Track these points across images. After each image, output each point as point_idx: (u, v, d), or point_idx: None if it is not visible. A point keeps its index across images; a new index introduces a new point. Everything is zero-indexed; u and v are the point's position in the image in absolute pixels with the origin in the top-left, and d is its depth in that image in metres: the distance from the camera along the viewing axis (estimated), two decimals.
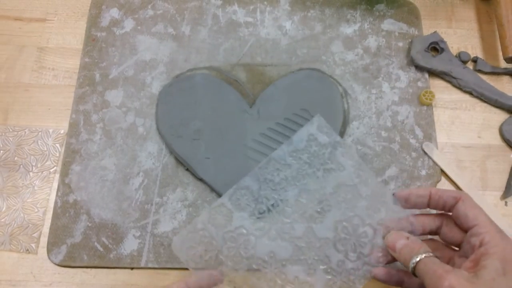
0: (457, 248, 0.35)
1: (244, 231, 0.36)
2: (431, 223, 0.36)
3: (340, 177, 0.37)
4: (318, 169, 0.38)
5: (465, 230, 0.33)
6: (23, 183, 0.46)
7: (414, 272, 0.32)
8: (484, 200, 0.47)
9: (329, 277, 0.35)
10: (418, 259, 0.31)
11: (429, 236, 0.37)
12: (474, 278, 0.29)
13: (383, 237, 0.35)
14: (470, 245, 0.32)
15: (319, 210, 0.37)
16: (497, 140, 0.50)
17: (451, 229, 0.34)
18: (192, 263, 0.35)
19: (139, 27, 0.53)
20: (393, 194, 0.36)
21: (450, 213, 0.34)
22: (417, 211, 0.36)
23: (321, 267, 0.35)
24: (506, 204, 0.47)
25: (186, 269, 0.43)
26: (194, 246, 0.35)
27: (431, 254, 0.31)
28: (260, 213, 0.37)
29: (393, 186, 0.47)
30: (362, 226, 0.35)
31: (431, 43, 0.53)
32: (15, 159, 0.47)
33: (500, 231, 0.31)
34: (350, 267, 0.35)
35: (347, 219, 0.36)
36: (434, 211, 0.36)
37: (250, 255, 0.35)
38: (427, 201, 0.35)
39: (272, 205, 0.37)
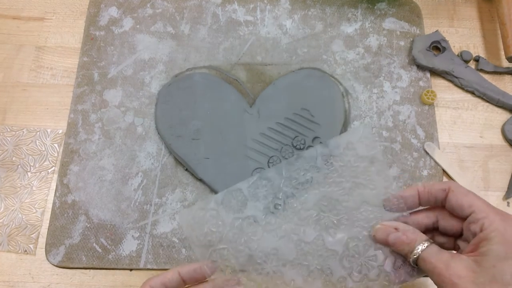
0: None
1: (254, 221, 0.35)
2: (425, 219, 0.34)
3: (368, 196, 0.35)
4: (347, 181, 0.36)
5: (462, 219, 0.32)
6: (21, 183, 0.46)
7: (417, 265, 0.31)
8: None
9: None
10: (415, 256, 0.31)
11: None
12: (476, 266, 0.28)
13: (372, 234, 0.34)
14: (470, 232, 0.31)
15: (335, 221, 0.35)
16: (499, 140, 0.50)
17: (447, 220, 0.33)
18: (195, 239, 0.34)
19: (138, 26, 0.52)
20: (384, 205, 0.34)
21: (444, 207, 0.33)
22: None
23: (321, 277, 0.34)
24: (508, 204, 0.47)
25: None
26: (201, 223, 0.34)
27: (427, 244, 0.31)
28: (275, 208, 0.36)
29: (395, 186, 0.46)
30: (374, 249, 0.34)
31: (432, 42, 0.52)
32: (13, 159, 0.47)
33: (499, 213, 0.30)
34: (350, 286, 0.34)
35: (361, 239, 0.34)
36: None
37: (253, 247, 0.35)
38: (417, 200, 0.34)
39: (290, 203, 0.36)
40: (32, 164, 0.47)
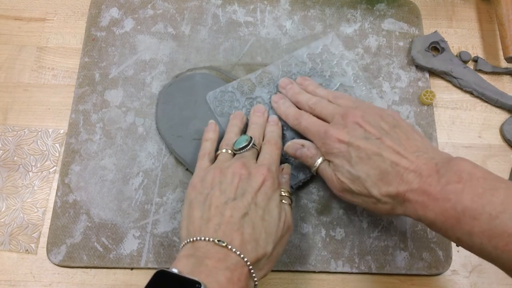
0: None
1: (261, 100, 0.47)
2: None
3: (342, 79, 0.49)
4: (326, 71, 0.49)
5: None
6: (22, 183, 0.46)
7: (317, 173, 0.41)
8: None
9: None
10: (316, 166, 0.40)
11: None
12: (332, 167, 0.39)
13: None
14: None
15: None
16: (497, 140, 0.50)
17: None
18: (218, 111, 0.47)
19: (139, 27, 0.53)
20: None
21: None
22: None
23: None
24: None
25: None
26: (222, 101, 0.47)
27: (322, 158, 0.40)
28: (276, 91, 0.47)
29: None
30: None
31: (431, 43, 0.52)
32: (15, 159, 0.47)
33: None
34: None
35: None
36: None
37: None
38: None
39: None
40: (33, 164, 0.47)
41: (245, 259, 0.32)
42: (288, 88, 0.46)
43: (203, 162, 0.41)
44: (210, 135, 0.43)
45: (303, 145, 0.41)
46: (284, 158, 0.45)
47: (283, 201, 0.39)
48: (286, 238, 0.38)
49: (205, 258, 0.32)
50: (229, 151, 0.41)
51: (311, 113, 0.43)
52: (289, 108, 0.44)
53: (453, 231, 0.31)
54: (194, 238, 0.33)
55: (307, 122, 0.42)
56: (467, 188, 0.31)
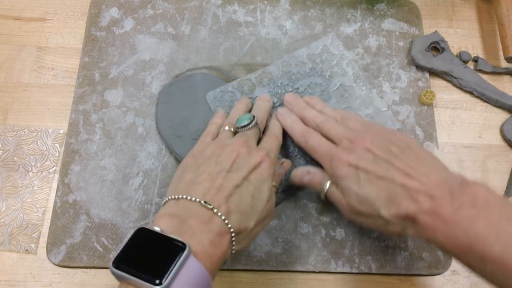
0: None
1: None
2: None
3: (342, 79, 0.49)
4: (326, 71, 0.49)
5: None
6: (22, 183, 0.46)
7: (326, 198, 0.40)
8: None
9: None
10: (325, 191, 0.39)
11: None
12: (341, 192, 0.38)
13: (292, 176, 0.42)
14: None
15: (321, 98, 0.47)
16: (498, 140, 0.50)
17: None
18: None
19: (138, 27, 0.53)
20: None
21: None
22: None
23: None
24: None
25: None
26: (222, 101, 0.47)
27: (330, 182, 0.39)
28: (277, 92, 0.48)
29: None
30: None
31: (431, 43, 0.52)
32: (15, 159, 0.47)
33: None
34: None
35: (343, 109, 0.47)
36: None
37: None
38: None
39: (286, 89, 0.48)
40: (33, 164, 0.47)
41: (229, 226, 0.32)
42: (294, 103, 0.45)
43: (206, 138, 0.41)
44: (217, 120, 0.44)
45: (308, 172, 0.41)
46: (287, 156, 0.45)
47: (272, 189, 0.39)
48: (267, 221, 0.38)
49: (189, 218, 0.31)
50: (231, 129, 0.41)
51: (317, 131, 0.41)
52: (296, 122, 0.43)
53: (464, 256, 0.31)
54: (180, 196, 0.33)
55: (315, 141, 0.40)
56: (481, 214, 0.30)
